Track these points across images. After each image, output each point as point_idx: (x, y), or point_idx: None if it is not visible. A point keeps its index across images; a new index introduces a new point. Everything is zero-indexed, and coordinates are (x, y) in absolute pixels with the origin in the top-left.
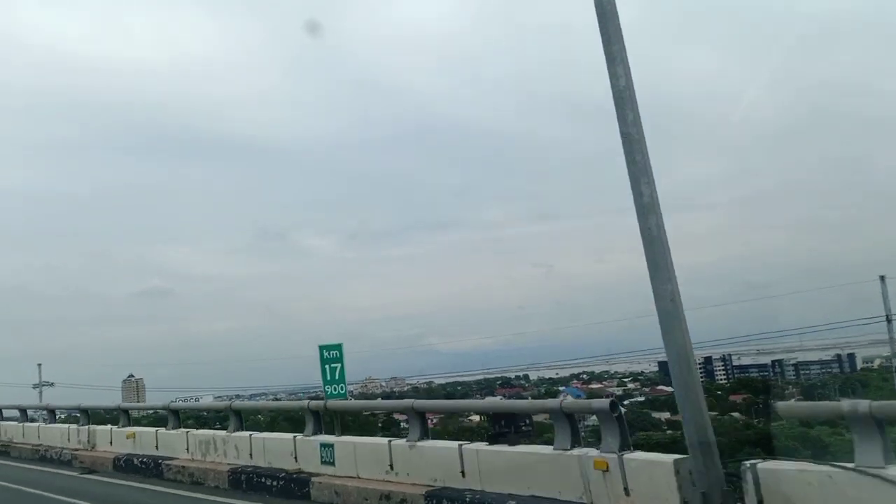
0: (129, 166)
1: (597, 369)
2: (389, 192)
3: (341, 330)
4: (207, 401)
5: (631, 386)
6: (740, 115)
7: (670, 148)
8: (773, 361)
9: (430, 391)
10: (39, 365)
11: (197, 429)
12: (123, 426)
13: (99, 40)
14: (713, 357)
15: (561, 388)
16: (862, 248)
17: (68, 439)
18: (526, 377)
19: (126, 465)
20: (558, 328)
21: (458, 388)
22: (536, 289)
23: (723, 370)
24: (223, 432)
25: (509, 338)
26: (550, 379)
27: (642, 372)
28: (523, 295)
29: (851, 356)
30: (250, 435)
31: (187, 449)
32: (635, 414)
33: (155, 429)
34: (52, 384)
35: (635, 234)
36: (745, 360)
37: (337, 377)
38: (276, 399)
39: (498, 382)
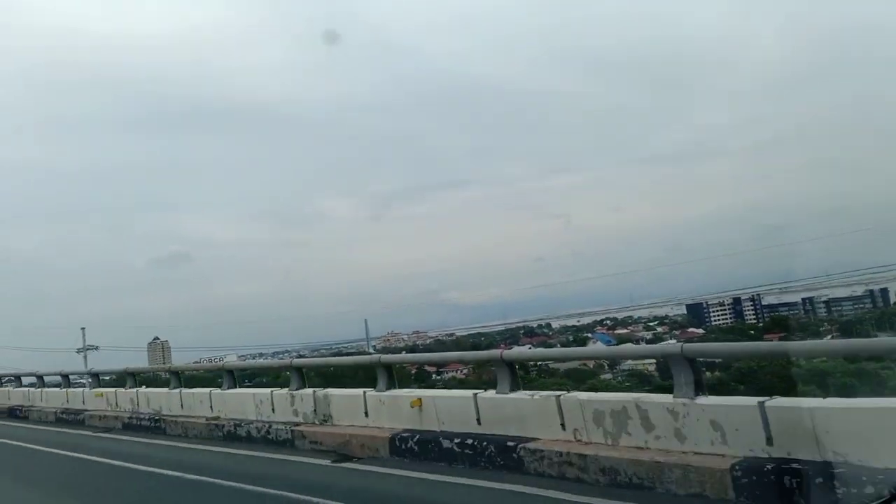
0: (146, 139)
1: (619, 315)
2: (405, 154)
3: (359, 290)
4: (231, 360)
5: (659, 330)
6: (753, 60)
7: (686, 96)
8: (803, 299)
9: (458, 343)
10: (83, 329)
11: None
12: (175, 388)
13: (112, 18)
14: (742, 297)
15: (589, 335)
16: (877, 185)
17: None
18: (548, 325)
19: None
20: (577, 279)
21: (482, 338)
22: (554, 241)
23: (752, 310)
24: (284, 390)
25: (528, 290)
26: (574, 326)
27: (667, 315)
28: (541, 247)
29: (884, 291)
30: (314, 392)
31: (256, 408)
32: None
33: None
34: (96, 347)
35: (652, 184)
36: (772, 300)
37: None
38: (301, 356)
39: (521, 332)
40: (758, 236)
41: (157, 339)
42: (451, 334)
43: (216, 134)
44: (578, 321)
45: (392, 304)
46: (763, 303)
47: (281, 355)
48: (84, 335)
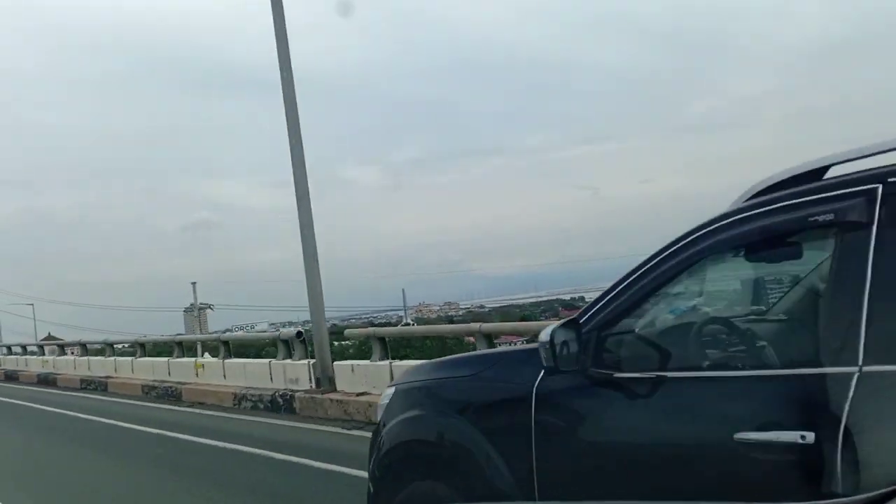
0: (175, 103)
1: None
2: (431, 122)
3: (383, 258)
4: (263, 328)
5: None
6: (792, 33)
7: (723, 65)
8: None
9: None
10: (194, 283)
11: None
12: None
13: None
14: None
15: None
16: None
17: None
18: (582, 299)
19: None
20: (604, 252)
21: (517, 310)
22: (581, 212)
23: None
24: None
25: (553, 260)
26: None
27: None
28: (568, 218)
29: None
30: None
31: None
32: None
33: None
34: (210, 306)
35: (683, 156)
36: None
37: None
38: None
39: (557, 304)
40: None
41: (192, 305)
42: (482, 306)
43: (243, 99)
44: None
45: (415, 273)
46: None
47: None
48: (195, 291)
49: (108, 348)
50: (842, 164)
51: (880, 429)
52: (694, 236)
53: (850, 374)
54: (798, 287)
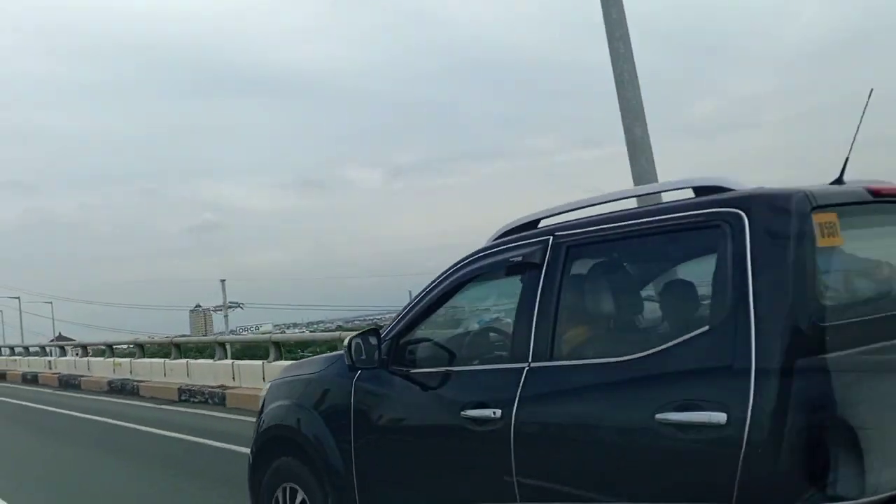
0: (177, 106)
1: None
2: (435, 124)
3: (388, 260)
4: (268, 329)
5: None
6: (796, 33)
7: (725, 66)
8: None
9: None
10: (223, 281)
11: None
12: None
13: None
14: None
15: None
16: None
17: None
18: None
19: None
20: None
21: None
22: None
23: None
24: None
25: None
26: None
27: None
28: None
29: None
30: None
31: None
32: None
33: None
34: (240, 305)
35: (688, 158)
36: None
37: None
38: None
39: None
40: None
41: (198, 306)
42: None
43: (244, 99)
44: None
45: (420, 275)
46: None
47: (314, 325)
48: (225, 289)
49: (108, 349)
50: (550, 217)
51: (540, 403)
52: (458, 266)
53: (523, 368)
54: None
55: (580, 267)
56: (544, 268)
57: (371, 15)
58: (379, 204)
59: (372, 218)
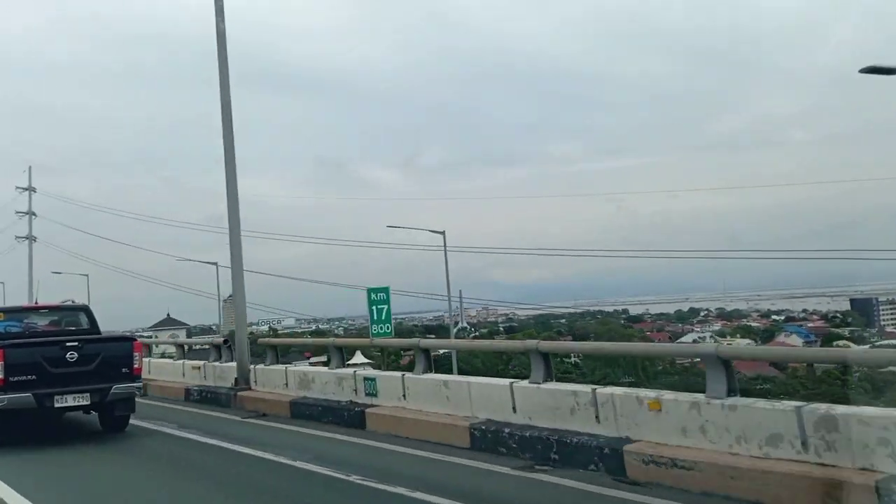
0: (202, 97)
1: (725, 306)
2: (458, 127)
3: (403, 260)
4: (289, 323)
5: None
6: (827, 54)
7: (755, 84)
8: None
9: (542, 324)
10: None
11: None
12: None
13: None
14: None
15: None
16: None
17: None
18: (625, 311)
19: None
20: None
21: (552, 320)
22: (604, 225)
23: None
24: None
25: (573, 272)
26: (666, 314)
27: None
28: (592, 230)
29: None
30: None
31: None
32: None
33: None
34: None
35: (711, 173)
36: None
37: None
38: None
39: (623, 317)
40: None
41: (231, 297)
42: (515, 314)
43: (270, 96)
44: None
45: (436, 276)
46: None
47: (336, 321)
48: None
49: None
50: None
51: None
52: None
53: None
54: None
55: None
56: None
57: (400, 17)
58: (392, 205)
59: (385, 218)
